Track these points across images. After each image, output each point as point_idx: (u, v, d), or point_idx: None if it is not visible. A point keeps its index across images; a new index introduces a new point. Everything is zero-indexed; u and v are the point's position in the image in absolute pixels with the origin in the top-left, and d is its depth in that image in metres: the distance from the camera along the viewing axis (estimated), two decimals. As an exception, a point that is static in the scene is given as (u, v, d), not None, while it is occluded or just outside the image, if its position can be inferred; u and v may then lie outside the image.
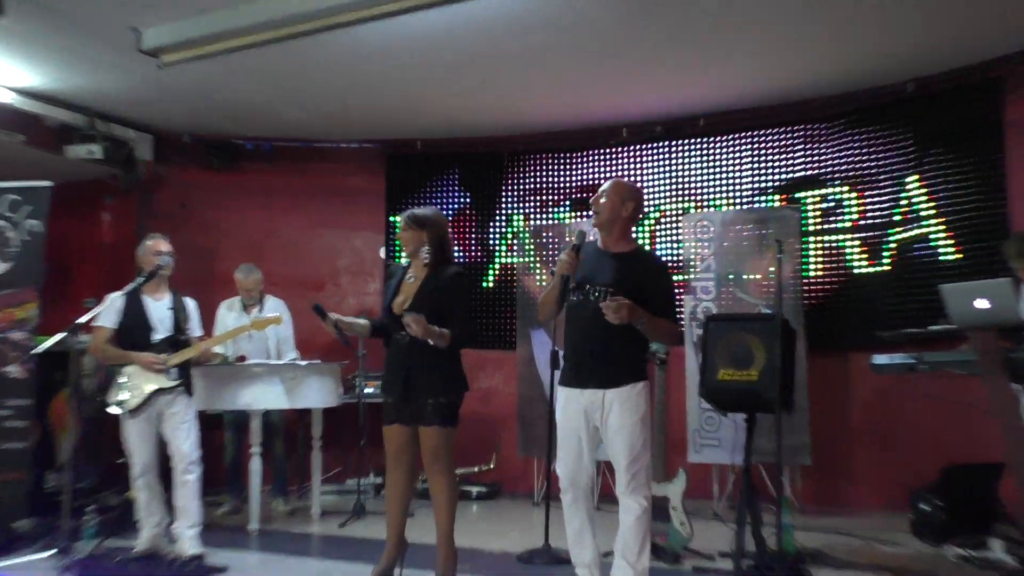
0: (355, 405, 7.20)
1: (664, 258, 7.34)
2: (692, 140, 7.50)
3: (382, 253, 7.49)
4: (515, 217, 8.02)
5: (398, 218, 4.34)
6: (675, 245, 7.52)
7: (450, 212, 8.11)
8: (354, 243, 8.34)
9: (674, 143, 7.55)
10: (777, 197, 7.09)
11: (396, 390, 4.24)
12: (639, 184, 7.48)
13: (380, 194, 8.34)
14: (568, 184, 7.94)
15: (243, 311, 7.01)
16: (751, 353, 4.75)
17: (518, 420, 7.30)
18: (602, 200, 4.06)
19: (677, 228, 7.54)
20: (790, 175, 7.11)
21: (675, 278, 6.85)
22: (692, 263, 6.88)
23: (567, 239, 6.99)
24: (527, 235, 7.55)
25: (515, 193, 8.09)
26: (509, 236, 8.06)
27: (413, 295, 4.26)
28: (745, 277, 6.62)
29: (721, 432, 6.54)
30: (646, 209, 7.48)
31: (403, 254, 4.37)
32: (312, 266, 8.16)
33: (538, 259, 7.29)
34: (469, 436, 6.79)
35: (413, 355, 4.21)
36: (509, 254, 8.04)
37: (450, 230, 4.33)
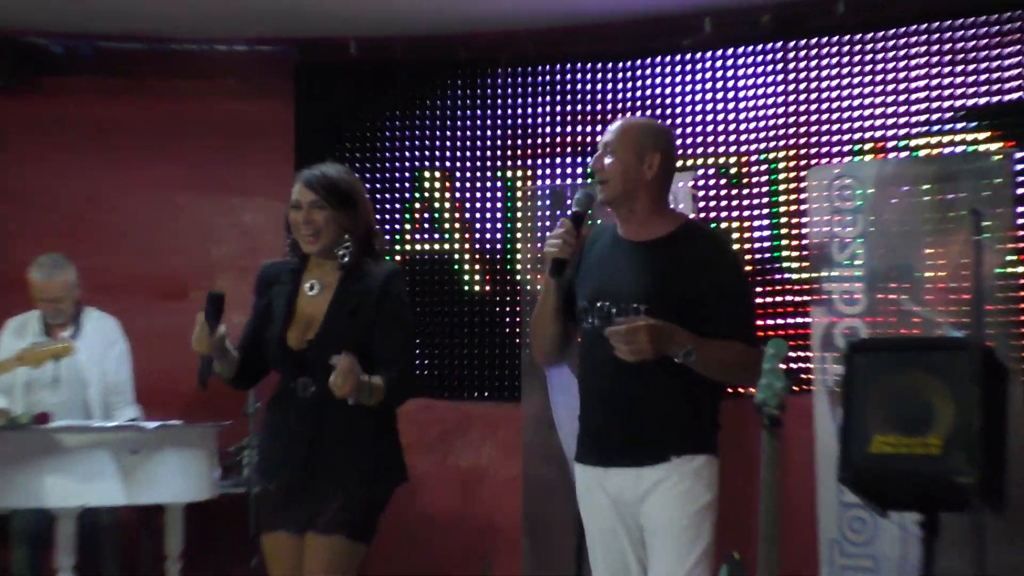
0: (241, 497, 7.18)
1: (773, 245, 7.15)
2: (822, 39, 7.25)
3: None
4: (512, 172, 7.88)
5: (297, 186, 4.13)
6: (791, 221, 7.18)
7: (406, 166, 8.00)
8: (242, 217, 8.09)
9: (791, 45, 7.33)
10: (976, 136, 6.84)
11: (286, 474, 4.09)
12: (704, 117, 7.35)
13: (286, 133, 8.06)
14: (605, 114, 7.54)
15: (44, 334, 6.86)
16: (930, 407, 4.75)
17: (524, 522, 7.17)
18: (606, 159, 3.86)
19: (795, 192, 7.23)
20: (999, 97, 6.85)
21: (795, 277, 6.90)
22: (824, 251, 6.53)
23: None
24: (541, 201, 7.32)
25: (517, 130, 7.87)
26: (509, 205, 7.89)
27: (322, 319, 4.03)
28: (917, 275, 6.31)
29: (877, 544, 6.25)
30: (733, 158, 7.28)
31: (296, 246, 4.20)
32: (167, 259, 8.05)
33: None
34: (433, 553, 7.35)
35: (321, 419, 4.04)
36: (510, 233, 7.83)
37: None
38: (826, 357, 6.44)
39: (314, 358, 3.97)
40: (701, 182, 7.01)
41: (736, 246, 6.65)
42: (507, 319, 7.75)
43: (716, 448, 3.88)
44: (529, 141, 7.81)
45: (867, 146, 7.03)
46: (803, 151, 7.22)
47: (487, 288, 7.82)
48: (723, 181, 7.25)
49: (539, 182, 7.77)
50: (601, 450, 3.93)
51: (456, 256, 7.85)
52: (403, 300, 4.08)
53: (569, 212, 3.86)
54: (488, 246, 7.84)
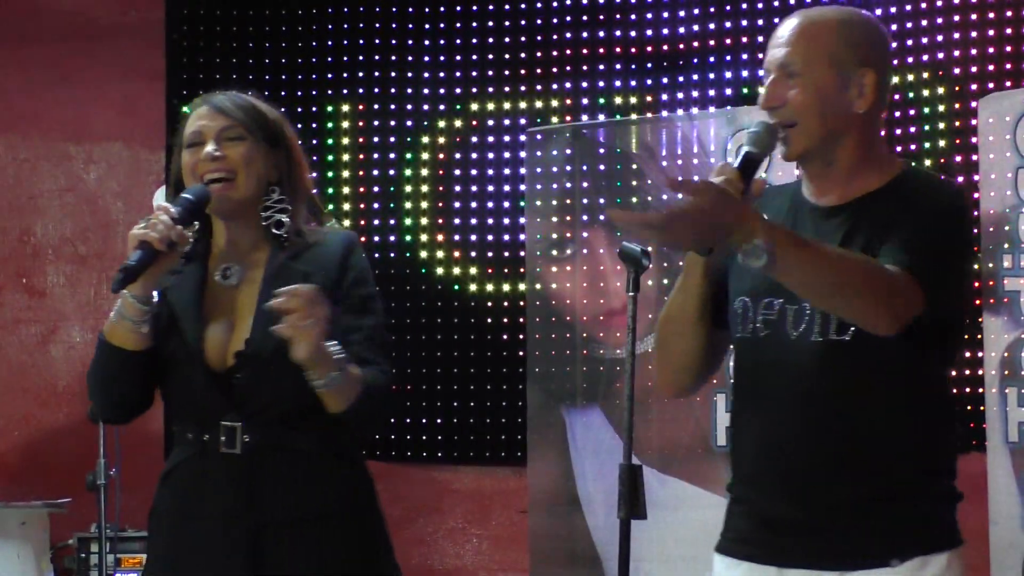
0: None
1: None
2: None
3: (161, 198, 5.18)
4: (504, 104, 7.44)
5: (199, 112, 3.67)
6: (951, 177, 6.13)
7: (339, 94, 7.55)
8: (86, 175, 7.63)
9: None
10: None
11: None
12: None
13: (150, 44, 7.47)
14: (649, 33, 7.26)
15: None
16: None
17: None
18: (789, 89, 3.26)
19: (958, 134, 6.51)
20: None
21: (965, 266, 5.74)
22: (1006, 228, 5.89)
23: (701, 160, 6.65)
24: (557, 149, 6.78)
25: (516, 49, 7.35)
26: (507, 157, 7.44)
27: (252, 321, 3.54)
28: None
29: None
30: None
31: (190, 211, 3.60)
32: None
33: (585, 225, 6.84)
34: None
35: (266, 487, 3.50)
36: (508, 200, 7.36)
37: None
38: (1008, 395, 5.68)
39: (245, 384, 3.51)
40: None
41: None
42: (503, 339, 7.12)
43: (959, 534, 3.23)
44: (530, 53, 7.18)
45: None
46: (972, 68, 6.34)
47: (471, 290, 7.27)
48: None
49: (550, 120, 7.04)
50: (771, 538, 3.39)
51: (419, 239, 7.24)
52: (371, 280, 3.71)
53: (739, 155, 3.25)
54: (470, 222, 7.18)
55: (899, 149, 6.51)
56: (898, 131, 6.55)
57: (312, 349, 3.36)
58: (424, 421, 7.21)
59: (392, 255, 7.37)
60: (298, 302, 3.36)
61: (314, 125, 7.42)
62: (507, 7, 7.30)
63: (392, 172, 7.47)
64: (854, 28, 3.34)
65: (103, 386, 3.67)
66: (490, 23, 7.36)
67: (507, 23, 7.34)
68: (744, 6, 7.21)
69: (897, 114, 6.45)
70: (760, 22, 7.11)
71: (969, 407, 6.04)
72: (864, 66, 3.28)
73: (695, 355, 3.50)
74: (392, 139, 7.34)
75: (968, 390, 6.06)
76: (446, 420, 7.24)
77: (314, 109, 7.43)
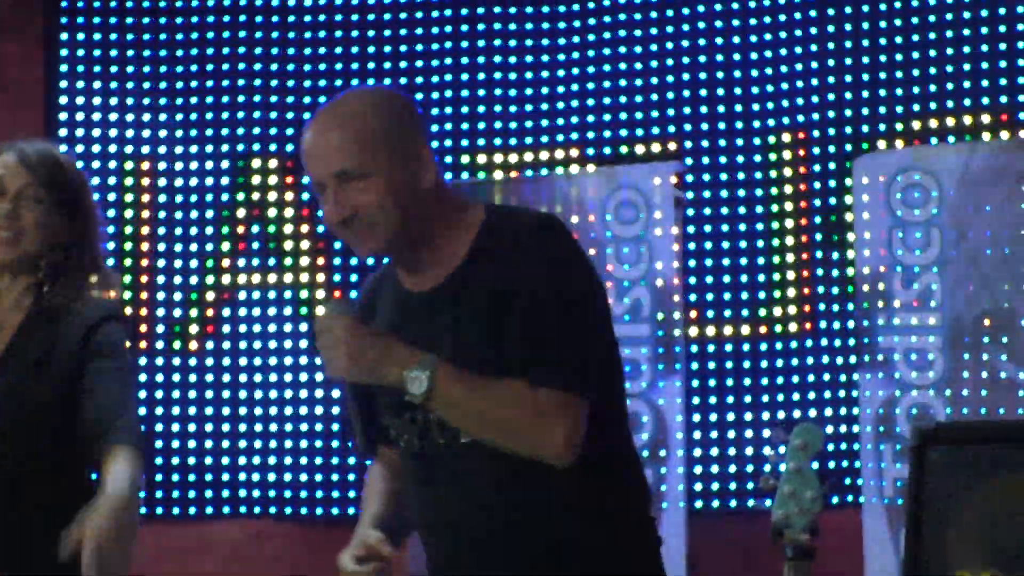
0: None
1: (800, 276, 6.87)
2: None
3: None
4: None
5: (5, 155, 3.66)
6: (827, 237, 6.70)
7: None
8: None
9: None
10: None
11: None
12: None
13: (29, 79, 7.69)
14: None
15: None
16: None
17: None
18: (356, 193, 3.11)
19: (834, 193, 6.73)
20: None
21: (834, 326, 6.54)
22: (880, 287, 6.23)
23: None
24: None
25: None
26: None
27: None
28: (1025, 323, 6.55)
29: None
30: (739, 139, 6.94)
31: None
32: None
33: None
34: None
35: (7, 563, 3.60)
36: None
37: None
38: (883, 452, 6.01)
39: None
40: (690, 177, 6.54)
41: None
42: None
43: None
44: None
45: (947, 122, 6.43)
46: (846, 129, 6.54)
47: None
48: (724, 177, 6.81)
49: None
50: None
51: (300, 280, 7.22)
52: (122, 352, 3.70)
53: (339, 308, 3.17)
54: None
55: (774, 209, 6.73)
56: (773, 191, 6.72)
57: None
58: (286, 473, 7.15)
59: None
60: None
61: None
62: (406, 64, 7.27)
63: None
64: (390, 107, 3.25)
65: None
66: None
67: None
68: (622, 65, 7.07)
69: (772, 174, 6.66)
70: (639, 82, 7.02)
71: (844, 463, 6.21)
72: (417, 138, 3.20)
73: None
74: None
75: (843, 447, 6.22)
76: (307, 473, 7.20)
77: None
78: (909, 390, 5.97)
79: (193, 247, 7.64)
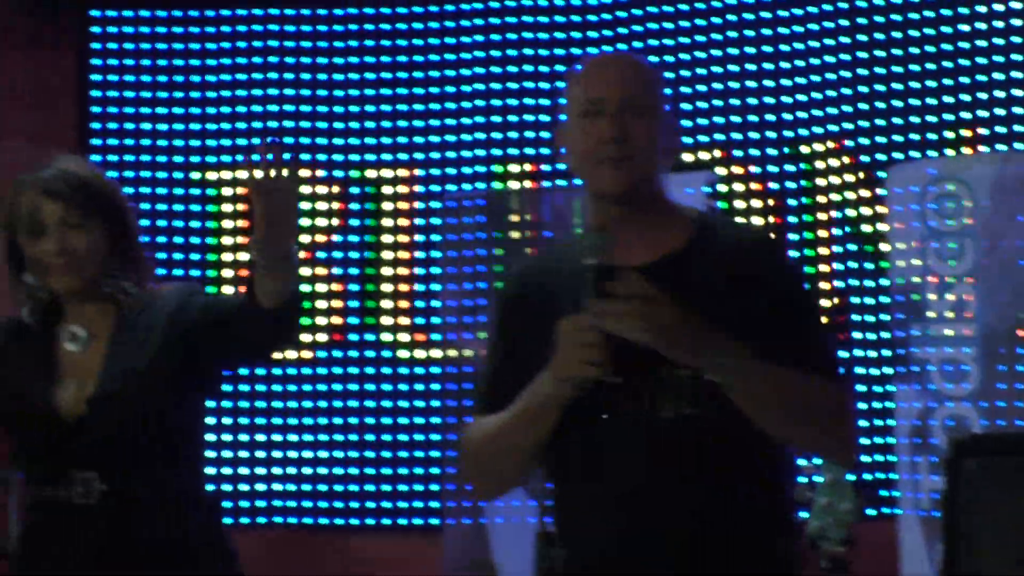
0: None
1: (835, 287, 6.99)
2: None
3: None
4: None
5: (31, 198, 3.61)
6: (860, 249, 6.75)
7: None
8: None
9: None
10: None
11: None
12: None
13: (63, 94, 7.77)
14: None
15: None
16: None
17: None
18: (634, 123, 3.09)
19: (867, 204, 6.75)
20: None
21: (869, 337, 6.64)
22: (914, 298, 6.23)
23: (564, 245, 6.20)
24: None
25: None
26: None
27: (100, 371, 3.55)
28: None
29: None
30: (772, 150, 7.01)
31: (35, 294, 3.73)
32: None
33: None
34: None
35: (123, 542, 3.46)
36: (423, 251, 7.57)
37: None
38: (918, 463, 5.97)
39: (97, 433, 3.48)
40: (722, 188, 6.61)
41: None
42: (420, 388, 7.17)
43: None
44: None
45: (980, 132, 6.43)
46: (879, 139, 6.56)
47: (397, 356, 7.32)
48: (756, 188, 6.84)
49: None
50: None
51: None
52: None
53: (586, 283, 2.95)
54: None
55: (807, 219, 6.76)
56: (805, 200, 6.76)
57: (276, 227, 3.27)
58: (324, 478, 7.23)
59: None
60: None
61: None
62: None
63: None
64: (660, 74, 3.28)
65: None
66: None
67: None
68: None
69: (805, 184, 6.72)
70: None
71: (880, 475, 6.25)
72: (673, 109, 3.41)
73: (522, 477, 3.33)
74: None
75: (879, 459, 6.24)
76: (359, 484, 7.32)
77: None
78: (944, 402, 5.99)
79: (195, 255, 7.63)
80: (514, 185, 7.38)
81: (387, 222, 7.67)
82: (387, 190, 7.60)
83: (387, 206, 7.67)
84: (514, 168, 7.38)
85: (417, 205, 7.55)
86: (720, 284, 3.06)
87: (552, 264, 3.25)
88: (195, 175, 7.87)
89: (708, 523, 3.07)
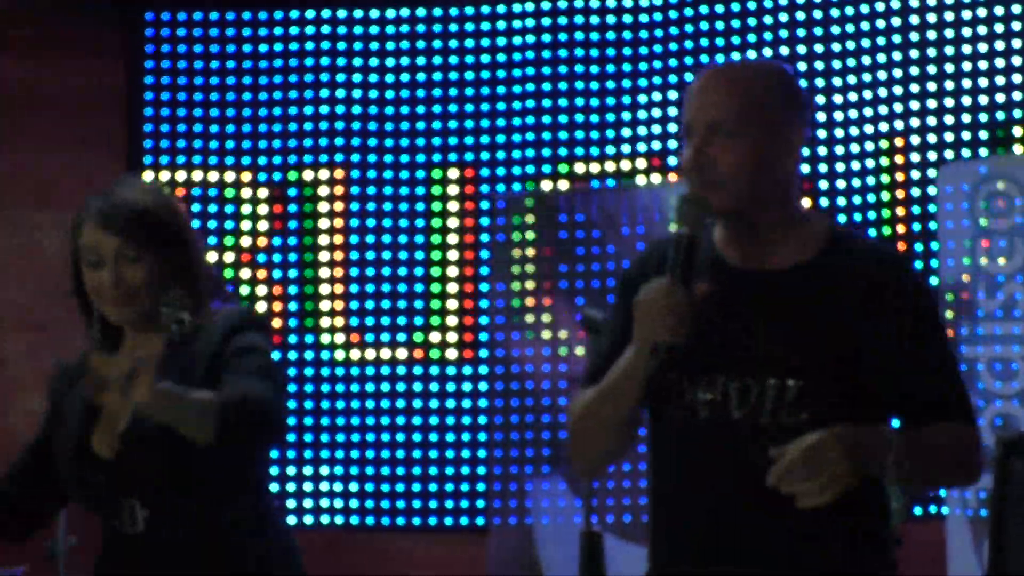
0: None
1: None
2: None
3: None
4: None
5: (89, 229, 3.69)
6: (909, 247, 6.66)
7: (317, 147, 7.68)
8: (40, 240, 7.65)
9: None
10: None
11: None
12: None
13: (112, 107, 7.70)
14: None
15: None
16: None
17: None
18: (717, 146, 3.13)
19: (918, 202, 6.68)
20: None
21: None
22: (965, 295, 6.20)
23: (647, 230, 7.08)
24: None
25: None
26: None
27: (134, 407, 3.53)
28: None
29: None
30: (821, 148, 6.99)
31: (102, 322, 3.78)
32: None
33: (546, 292, 7.23)
34: None
35: (170, 565, 3.58)
36: (483, 250, 7.57)
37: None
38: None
39: (133, 466, 3.54)
40: None
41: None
42: (464, 389, 7.15)
43: None
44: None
45: None
46: (931, 138, 6.47)
47: (442, 339, 7.25)
48: (805, 187, 6.73)
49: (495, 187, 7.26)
50: None
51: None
52: (259, 348, 3.64)
53: (673, 250, 3.05)
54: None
55: (857, 218, 6.72)
56: (856, 200, 6.71)
57: (146, 395, 3.34)
58: (366, 477, 7.22)
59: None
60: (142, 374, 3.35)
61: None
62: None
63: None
64: (777, 83, 3.32)
65: None
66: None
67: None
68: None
69: (855, 183, 6.66)
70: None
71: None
72: (796, 120, 3.29)
73: (617, 451, 3.45)
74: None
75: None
76: (405, 485, 7.30)
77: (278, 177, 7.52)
78: (993, 400, 5.97)
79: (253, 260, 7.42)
80: (563, 185, 7.25)
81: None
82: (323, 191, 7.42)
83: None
84: (563, 168, 7.20)
85: (470, 205, 7.41)
86: (850, 297, 3.05)
87: (655, 253, 3.24)
88: (246, 176, 7.61)
89: (803, 525, 3.00)
